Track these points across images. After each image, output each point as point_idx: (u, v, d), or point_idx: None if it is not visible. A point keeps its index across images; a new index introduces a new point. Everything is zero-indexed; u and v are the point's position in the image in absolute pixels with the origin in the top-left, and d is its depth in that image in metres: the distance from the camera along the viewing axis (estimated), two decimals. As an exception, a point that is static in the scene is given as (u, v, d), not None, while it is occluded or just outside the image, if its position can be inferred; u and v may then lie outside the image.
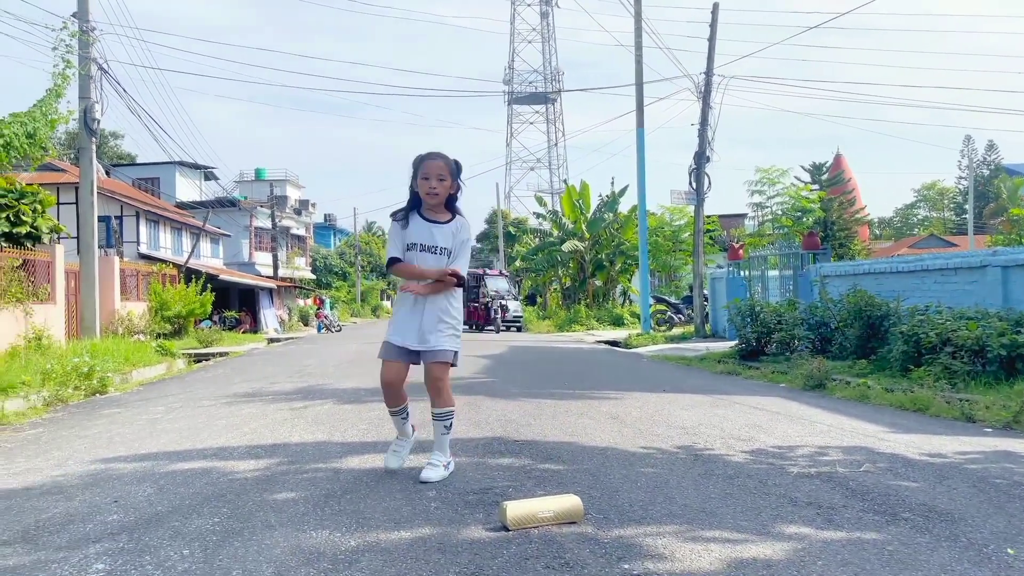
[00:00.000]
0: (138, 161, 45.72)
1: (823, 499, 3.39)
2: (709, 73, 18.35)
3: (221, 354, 16.69)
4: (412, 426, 4.17)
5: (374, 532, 2.96)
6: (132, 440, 5.37)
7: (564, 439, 4.94)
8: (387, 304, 67.17)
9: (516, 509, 2.97)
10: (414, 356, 3.92)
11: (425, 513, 3.21)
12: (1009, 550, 2.70)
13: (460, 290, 4.06)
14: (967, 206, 42.33)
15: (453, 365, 3.96)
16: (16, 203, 13.13)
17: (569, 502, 3.05)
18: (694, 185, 18.48)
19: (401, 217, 3.99)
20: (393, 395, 3.97)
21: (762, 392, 7.83)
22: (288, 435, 5.28)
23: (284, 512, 3.27)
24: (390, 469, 4.02)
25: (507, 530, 2.92)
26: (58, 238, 14.79)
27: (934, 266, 10.31)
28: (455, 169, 3.95)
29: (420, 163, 3.92)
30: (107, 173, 31.95)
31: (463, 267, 3.96)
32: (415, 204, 3.98)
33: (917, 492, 3.52)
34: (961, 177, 63.89)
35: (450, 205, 4.00)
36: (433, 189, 3.87)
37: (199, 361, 15.01)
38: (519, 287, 40.22)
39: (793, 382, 8.52)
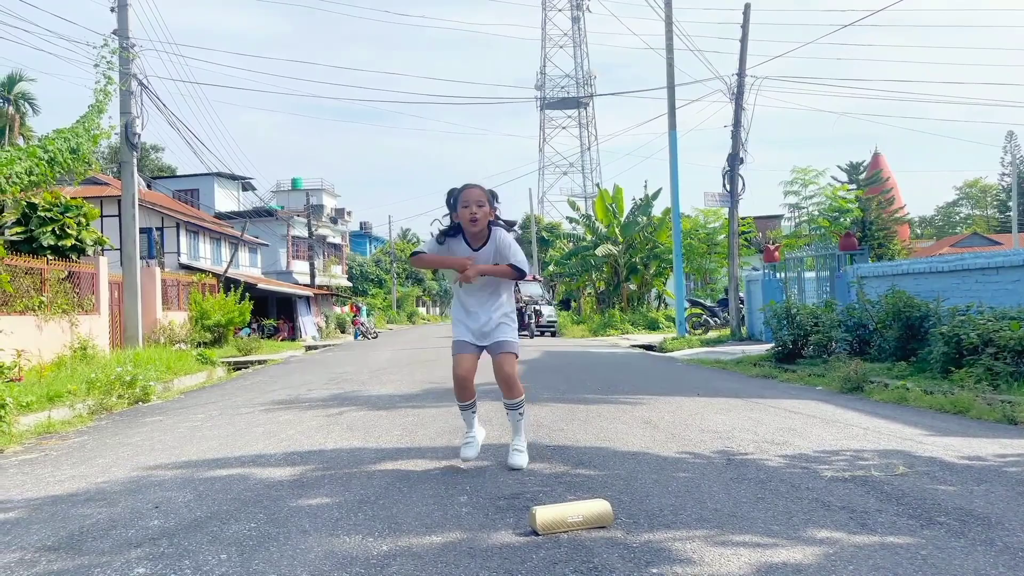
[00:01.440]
0: (178, 173, 46.74)
1: (857, 503, 3.35)
2: (741, 74, 18.21)
3: (260, 362, 16.96)
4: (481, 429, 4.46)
5: (406, 537, 3.01)
6: (173, 447, 5.50)
7: (596, 444, 4.94)
8: (422, 311, 67.54)
9: (545, 514, 2.99)
10: (480, 350, 4.26)
11: (456, 518, 3.25)
12: (1047, 555, 2.65)
13: (513, 294, 4.41)
14: (1011, 203, 41.27)
15: (516, 356, 4.29)
16: (61, 216, 13.53)
17: (599, 507, 3.07)
18: (728, 187, 18.35)
19: (440, 237, 4.20)
20: (465, 389, 4.22)
21: (798, 395, 7.75)
22: (323, 441, 5.37)
23: (318, 517, 3.33)
24: (468, 459, 4.26)
25: (537, 535, 2.95)
26: (102, 250, 15.19)
27: (975, 265, 10.10)
28: (491, 196, 4.16)
29: (458, 194, 4.13)
30: (148, 186, 32.69)
31: (519, 261, 4.19)
32: (456, 231, 4.18)
33: (954, 496, 3.47)
34: (1004, 174, 62.41)
35: (490, 231, 4.19)
36: (474, 215, 4.06)
37: (238, 369, 15.28)
38: (553, 292, 40.22)
39: (830, 385, 8.41)
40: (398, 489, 3.83)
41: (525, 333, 26.01)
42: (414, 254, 4.29)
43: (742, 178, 18.29)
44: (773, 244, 18.18)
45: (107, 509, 3.66)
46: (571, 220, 35.55)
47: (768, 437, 5.11)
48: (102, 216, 21.28)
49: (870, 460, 4.29)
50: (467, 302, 4.27)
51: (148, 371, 10.52)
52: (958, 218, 72.44)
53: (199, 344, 18.69)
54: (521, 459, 4.22)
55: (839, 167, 34.77)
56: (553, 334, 27.44)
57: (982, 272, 9.94)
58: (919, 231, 63.36)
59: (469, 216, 4.05)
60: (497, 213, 4.22)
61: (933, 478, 3.83)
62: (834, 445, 4.80)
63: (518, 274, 4.17)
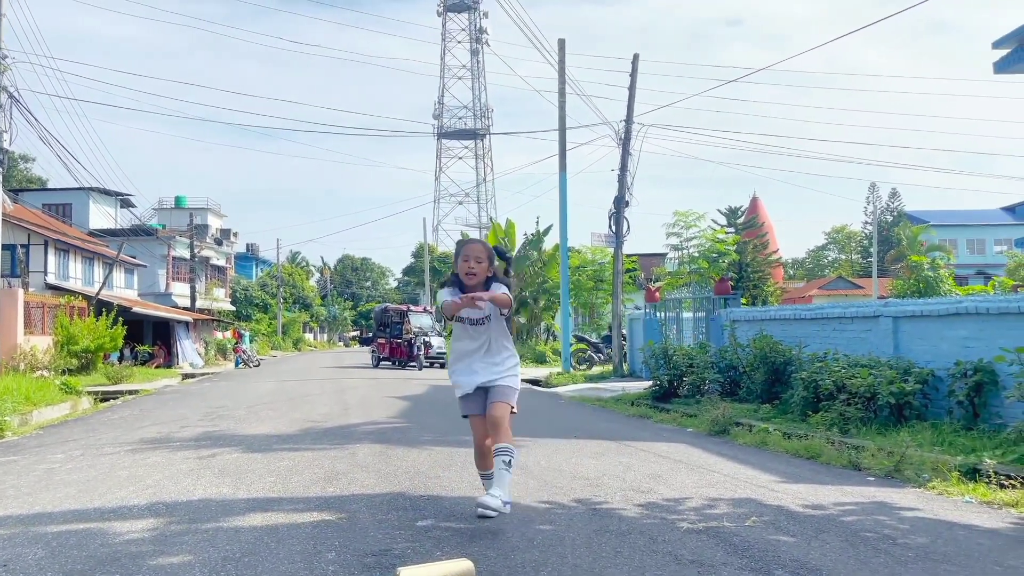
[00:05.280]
0: (49, 186, 44.08)
1: (706, 556, 3.58)
2: (629, 121, 18.97)
3: (131, 392, 16.14)
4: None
5: (268, 599, 2.99)
6: (27, 493, 5.22)
7: (469, 493, 5.02)
8: (309, 337, 65.89)
9: None
10: (482, 403, 4.21)
11: (321, 577, 3.26)
12: (865, 608, 2.92)
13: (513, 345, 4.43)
14: (872, 250, 44.52)
15: (513, 412, 4.23)
16: (-88, 234, 12.56)
17: (461, 567, 3.15)
18: (613, 228, 18.98)
19: (450, 286, 4.23)
20: (486, 456, 4.22)
21: (669, 438, 8.09)
22: (192, 489, 5.22)
23: (178, 578, 3.26)
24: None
25: (400, 595, 2.99)
26: (-43, 270, 14.17)
27: (833, 314, 10.86)
28: (492, 253, 4.26)
29: (461, 247, 4.28)
30: (13, 201, 30.66)
31: (504, 291, 4.15)
32: (457, 284, 4.23)
33: (793, 547, 3.75)
34: (867, 222, 67.07)
35: (487, 287, 4.19)
36: (472, 269, 4.17)
37: (107, 400, 14.49)
38: (444, 323, 40.11)
39: (700, 427, 8.82)
40: (265, 544, 3.79)
41: (414, 365, 25.88)
42: (444, 306, 4.23)
43: (627, 220, 18.98)
44: (655, 284, 18.90)
45: (-54, 570, 3.46)
46: (463, 251, 35.72)
47: (635, 484, 5.34)
48: (-40, 231, 19.83)
49: (724, 510, 4.56)
50: (467, 347, 4.24)
51: (4, 402, 9.87)
52: (826, 261, 77.20)
53: (64, 371, 17.65)
54: (493, 502, 3.95)
55: (719, 211, 36.53)
56: (443, 366, 27.37)
57: (839, 321, 10.70)
58: (791, 272, 67.14)
59: (467, 270, 4.16)
60: (496, 269, 4.23)
61: (778, 528, 4.12)
62: (694, 493, 5.06)
63: (509, 297, 4.15)
